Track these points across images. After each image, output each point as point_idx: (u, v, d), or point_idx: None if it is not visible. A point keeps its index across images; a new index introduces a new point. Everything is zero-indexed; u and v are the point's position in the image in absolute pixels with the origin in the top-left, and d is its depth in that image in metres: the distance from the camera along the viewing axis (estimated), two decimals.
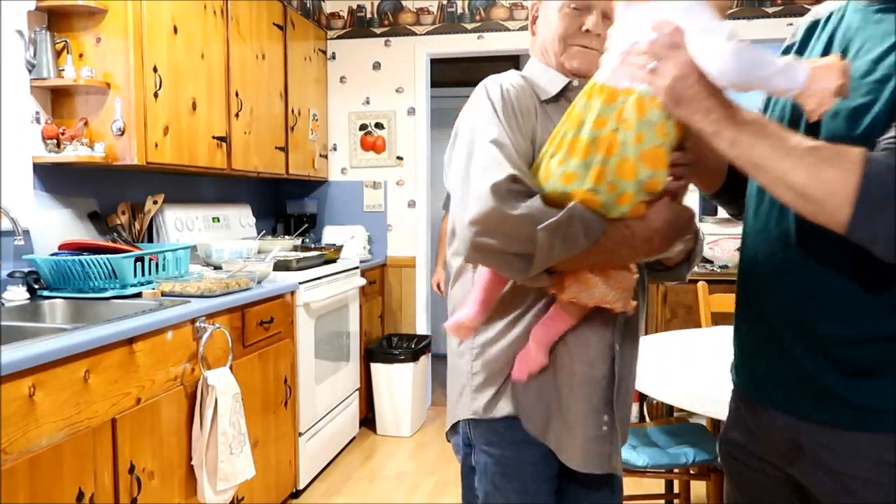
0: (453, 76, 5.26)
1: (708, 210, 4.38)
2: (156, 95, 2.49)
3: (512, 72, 1.30)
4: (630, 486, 2.96)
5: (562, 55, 1.27)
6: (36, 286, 2.26)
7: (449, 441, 1.40)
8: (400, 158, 4.23)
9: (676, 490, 2.58)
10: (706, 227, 3.92)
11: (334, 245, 3.57)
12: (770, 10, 3.78)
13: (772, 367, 1.04)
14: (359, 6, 4.22)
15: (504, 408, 1.23)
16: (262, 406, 2.63)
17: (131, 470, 1.84)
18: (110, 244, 2.38)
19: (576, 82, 1.27)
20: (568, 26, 1.26)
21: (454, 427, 1.35)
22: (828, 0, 1.08)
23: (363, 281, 3.65)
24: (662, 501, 2.65)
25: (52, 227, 2.41)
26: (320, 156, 4.14)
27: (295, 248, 3.49)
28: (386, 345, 4.00)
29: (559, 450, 1.24)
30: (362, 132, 4.26)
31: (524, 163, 1.13)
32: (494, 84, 1.24)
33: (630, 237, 1.08)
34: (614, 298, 1.12)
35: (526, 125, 1.19)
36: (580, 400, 1.22)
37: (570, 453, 1.23)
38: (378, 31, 4.21)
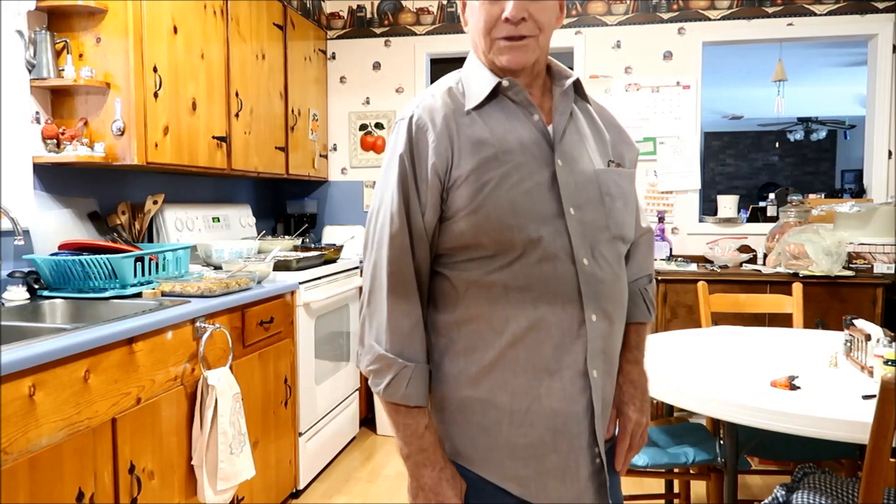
0: None
1: (708, 210, 4.38)
2: (156, 95, 2.49)
3: (442, 82, 1.17)
4: (630, 485, 2.96)
5: (489, 52, 1.12)
6: (36, 286, 2.26)
7: None
8: None
9: (676, 490, 2.58)
10: (706, 227, 3.92)
11: (334, 245, 3.57)
12: (770, 10, 3.78)
13: None
14: (359, 6, 4.22)
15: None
16: (262, 406, 2.63)
17: (131, 470, 1.84)
18: (110, 244, 2.38)
19: (505, 82, 1.11)
20: (487, 18, 1.09)
21: None
22: None
23: None
24: (662, 501, 2.65)
25: (52, 227, 2.42)
26: (320, 156, 4.14)
27: (295, 248, 3.49)
28: None
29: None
30: (362, 132, 4.26)
31: (422, 249, 1.11)
32: (402, 126, 1.12)
33: (420, 456, 1.12)
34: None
35: (427, 181, 1.08)
36: (573, 443, 1.10)
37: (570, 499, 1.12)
38: (378, 31, 4.21)
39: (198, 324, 2.17)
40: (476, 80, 1.14)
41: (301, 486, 3.00)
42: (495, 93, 1.12)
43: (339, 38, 4.25)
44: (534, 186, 1.07)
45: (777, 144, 10.97)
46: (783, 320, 3.05)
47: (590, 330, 1.09)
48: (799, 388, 1.75)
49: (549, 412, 1.09)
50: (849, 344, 2.05)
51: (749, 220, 4.17)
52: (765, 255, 3.67)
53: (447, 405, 1.13)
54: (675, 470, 2.20)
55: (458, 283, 1.10)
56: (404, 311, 1.10)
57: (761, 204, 4.44)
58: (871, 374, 1.88)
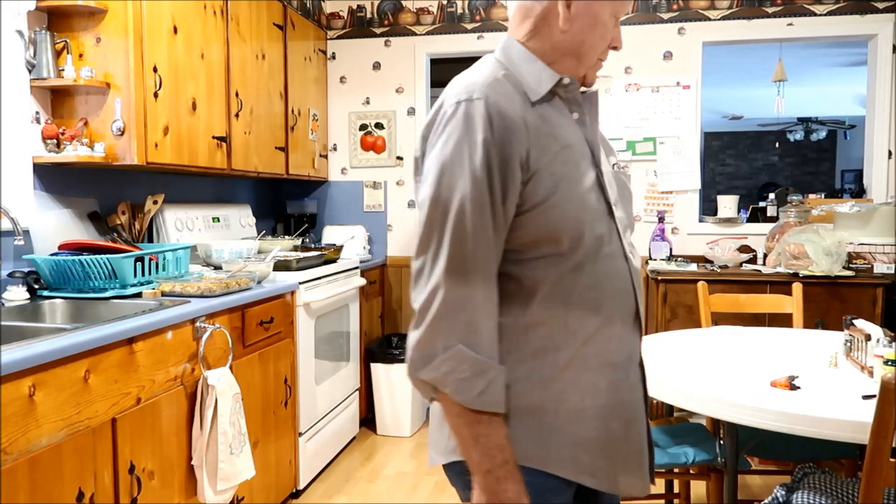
0: (453, 76, 5.25)
1: (708, 210, 4.38)
2: (156, 95, 2.49)
3: (488, 69, 1.11)
4: None
5: (582, 65, 1.14)
6: (36, 286, 2.26)
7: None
8: (400, 158, 4.23)
9: (676, 490, 2.58)
10: (706, 227, 3.92)
11: (334, 245, 3.57)
12: (770, 10, 3.78)
13: None
14: (359, 6, 4.22)
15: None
16: (262, 406, 2.63)
17: (131, 470, 1.84)
18: (110, 244, 2.38)
19: (567, 79, 1.12)
20: (605, 39, 1.13)
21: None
22: None
23: (363, 281, 3.65)
24: (662, 501, 2.65)
25: (52, 227, 2.42)
26: (320, 156, 4.14)
27: (295, 249, 3.49)
28: (386, 345, 4.00)
29: (627, 491, 1.15)
30: (362, 132, 4.26)
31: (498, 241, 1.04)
32: (477, 107, 1.03)
33: (495, 460, 1.03)
34: None
35: (513, 170, 1.03)
36: (637, 430, 1.16)
37: (636, 487, 1.16)
38: (378, 31, 4.21)
39: (198, 324, 2.17)
40: (531, 73, 1.12)
41: (301, 486, 3.00)
42: (553, 89, 1.12)
43: (339, 38, 4.25)
44: (591, 184, 1.10)
45: (777, 144, 10.97)
46: (783, 320, 3.05)
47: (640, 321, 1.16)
48: (799, 388, 1.75)
49: (618, 403, 1.12)
50: (849, 344, 2.05)
51: (749, 220, 4.17)
52: (765, 255, 3.67)
53: (514, 410, 1.08)
54: (675, 470, 2.20)
55: (528, 283, 1.07)
56: (490, 311, 1.04)
57: (761, 204, 4.44)
58: (871, 374, 1.88)
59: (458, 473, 1.15)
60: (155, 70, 2.49)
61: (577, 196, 1.07)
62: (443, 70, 5.15)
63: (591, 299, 1.09)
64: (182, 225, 3.04)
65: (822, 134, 9.70)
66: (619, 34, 1.16)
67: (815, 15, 3.74)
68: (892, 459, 1.43)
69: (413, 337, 1.04)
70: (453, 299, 1.01)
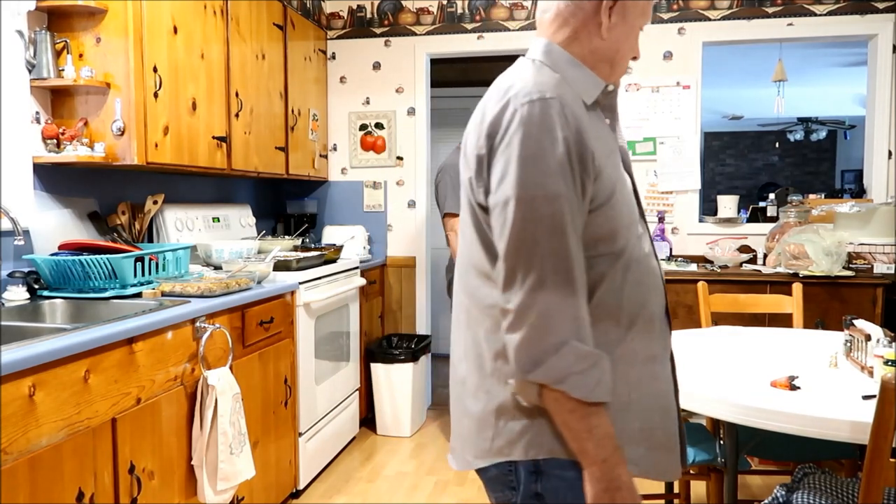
0: (453, 76, 5.26)
1: (708, 210, 4.38)
2: (156, 95, 2.49)
3: (544, 71, 1.12)
4: None
5: (615, 70, 1.18)
6: (36, 286, 2.26)
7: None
8: (400, 158, 4.23)
9: (676, 490, 2.58)
10: (706, 227, 3.92)
11: (334, 245, 3.57)
12: (770, 10, 3.78)
13: None
14: (359, 6, 4.22)
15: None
16: (262, 406, 2.63)
17: (131, 470, 1.84)
18: (110, 244, 2.38)
19: (611, 86, 1.18)
20: (635, 47, 1.19)
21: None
22: None
23: (363, 281, 3.65)
24: (662, 501, 2.65)
25: (52, 227, 2.42)
26: (320, 156, 4.15)
27: (295, 249, 3.49)
28: (386, 345, 4.00)
29: (664, 475, 1.19)
30: (362, 132, 4.26)
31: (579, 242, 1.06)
32: (553, 105, 1.04)
33: (610, 458, 1.05)
34: None
35: (587, 168, 1.05)
36: (672, 417, 1.20)
37: (671, 471, 1.20)
38: (378, 31, 4.21)
39: (198, 324, 2.17)
40: (580, 78, 1.14)
41: (301, 486, 3.00)
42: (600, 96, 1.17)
43: (339, 38, 4.25)
44: (630, 188, 1.18)
45: (777, 144, 10.97)
46: (783, 320, 3.05)
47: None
48: (799, 388, 1.75)
49: (657, 394, 1.17)
50: (849, 344, 2.05)
51: (749, 220, 4.17)
52: (765, 256, 3.67)
53: None
54: None
55: (588, 282, 1.09)
56: (585, 305, 1.06)
57: (761, 204, 4.44)
58: (871, 374, 1.88)
59: (501, 474, 1.15)
60: (155, 70, 2.49)
61: (627, 198, 1.14)
62: (443, 70, 5.16)
63: (637, 296, 1.13)
64: (182, 225, 3.04)
65: (822, 134, 9.70)
66: (638, 45, 1.21)
67: (815, 15, 3.74)
68: (892, 459, 1.43)
69: (516, 339, 1.03)
70: (558, 296, 1.02)
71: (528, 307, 1.02)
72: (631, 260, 1.12)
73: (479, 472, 1.19)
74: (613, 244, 1.10)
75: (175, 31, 2.61)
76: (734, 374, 1.94)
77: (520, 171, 1.03)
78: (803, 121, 9.59)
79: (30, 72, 2.32)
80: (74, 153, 2.34)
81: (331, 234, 4.04)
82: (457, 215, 3.39)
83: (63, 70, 2.36)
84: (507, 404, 1.12)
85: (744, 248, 3.83)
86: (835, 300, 3.23)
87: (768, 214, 4.14)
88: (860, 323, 2.02)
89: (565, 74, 1.13)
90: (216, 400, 2.12)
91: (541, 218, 1.02)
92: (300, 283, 2.93)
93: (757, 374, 1.91)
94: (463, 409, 1.20)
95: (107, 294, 2.23)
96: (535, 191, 1.02)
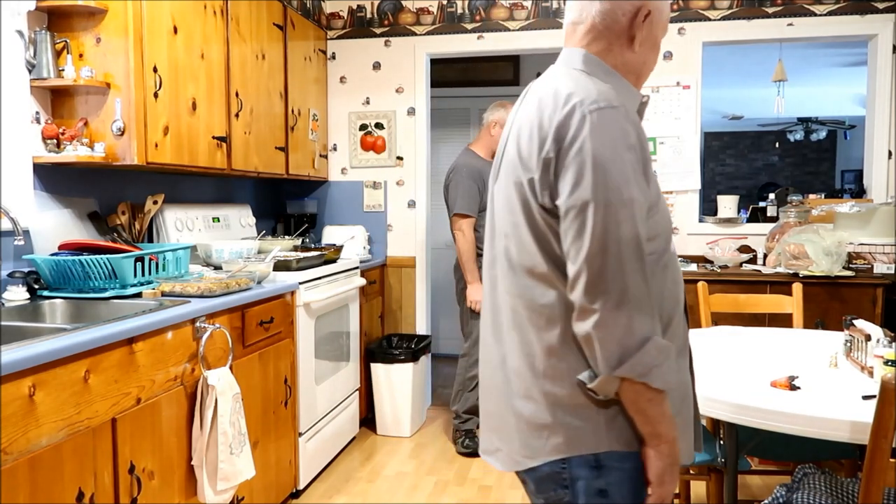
0: (453, 76, 5.26)
1: (708, 210, 4.38)
2: (156, 95, 2.49)
3: (602, 87, 1.15)
4: None
5: (641, 81, 1.28)
6: (36, 286, 2.26)
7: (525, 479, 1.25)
8: (400, 158, 4.23)
9: (676, 490, 2.58)
10: (706, 228, 3.92)
11: (334, 245, 3.57)
12: (770, 10, 3.78)
13: None
14: (359, 6, 4.22)
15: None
16: (262, 406, 2.63)
17: (131, 470, 1.84)
18: (110, 244, 2.38)
19: (646, 98, 1.27)
20: (656, 62, 1.29)
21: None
22: None
23: (363, 281, 3.65)
24: None
25: (52, 227, 2.42)
26: (320, 156, 4.15)
27: (295, 249, 3.49)
28: (386, 345, 4.00)
29: (688, 457, 1.26)
30: (362, 132, 4.26)
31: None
32: (621, 113, 1.11)
33: (671, 439, 1.14)
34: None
35: (648, 172, 1.16)
36: (689, 405, 1.27)
37: (685, 455, 1.25)
38: (378, 31, 4.21)
39: (198, 324, 2.17)
40: (622, 89, 1.21)
41: (301, 486, 3.00)
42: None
43: (339, 38, 4.25)
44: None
45: (777, 144, 10.97)
46: (783, 320, 3.05)
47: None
48: (799, 388, 1.75)
49: (682, 383, 1.23)
50: (849, 344, 2.05)
51: (749, 220, 4.17)
52: (765, 256, 3.67)
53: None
54: None
55: None
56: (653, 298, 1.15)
57: (761, 204, 4.44)
58: (871, 374, 1.88)
59: (553, 473, 1.17)
60: (155, 70, 2.49)
61: (663, 200, 1.22)
62: (443, 70, 5.16)
63: (675, 293, 1.22)
64: (182, 225, 3.04)
65: (822, 134, 9.70)
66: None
67: (815, 15, 3.74)
68: (892, 459, 1.43)
69: (602, 337, 1.07)
70: (640, 293, 1.07)
71: (618, 306, 1.06)
72: (669, 259, 1.20)
73: (527, 472, 1.21)
74: (657, 244, 1.17)
75: (175, 31, 2.61)
76: (734, 374, 1.94)
77: (596, 176, 1.07)
78: (803, 121, 9.59)
79: (30, 72, 2.32)
80: (74, 153, 2.34)
81: (331, 234, 4.04)
82: (468, 216, 3.40)
83: (63, 70, 2.36)
84: (562, 402, 1.15)
85: (744, 249, 3.83)
86: (835, 300, 3.23)
87: (768, 214, 4.14)
88: (860, 323, 2.02)
89: (612, 85, 1.19)
90: (216, 400, 2.12)
91: (620, 222, 1.07)
92: (300, 283, 2.93)
93: (757, 375, 1.91)
94: (510, 409, 1.21)
95: (107, 294, 2.23)
96: (613, 195, 1.07)
